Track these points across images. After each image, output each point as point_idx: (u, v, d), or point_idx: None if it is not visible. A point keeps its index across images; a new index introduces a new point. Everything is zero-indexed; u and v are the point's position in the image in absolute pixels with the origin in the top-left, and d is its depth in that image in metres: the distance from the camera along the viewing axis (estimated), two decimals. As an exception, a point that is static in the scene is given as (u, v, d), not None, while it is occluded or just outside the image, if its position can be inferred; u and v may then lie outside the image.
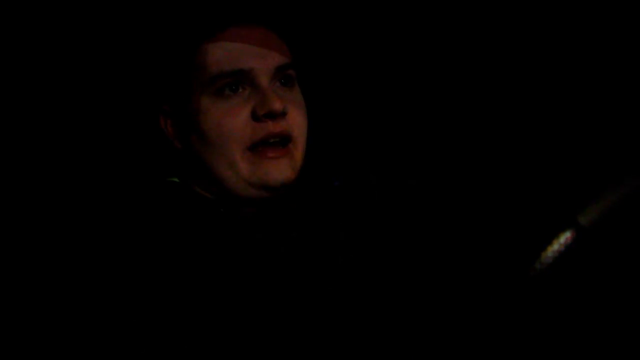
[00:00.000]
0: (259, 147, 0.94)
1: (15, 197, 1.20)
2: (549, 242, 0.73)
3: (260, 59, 0.96)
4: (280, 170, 0.95)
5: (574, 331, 0.87)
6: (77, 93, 1.27)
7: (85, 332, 0.86)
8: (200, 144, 0.96)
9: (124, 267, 0.89)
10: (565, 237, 0.73)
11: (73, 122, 1.27)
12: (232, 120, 0.94)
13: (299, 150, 0.98)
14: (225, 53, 0.95)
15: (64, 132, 1.27)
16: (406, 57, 1.33)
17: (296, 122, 0.98)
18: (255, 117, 0.94)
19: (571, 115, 1.23)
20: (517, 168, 1.23)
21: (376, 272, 0.95)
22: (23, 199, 1.20)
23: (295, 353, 0.86)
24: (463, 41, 1.30)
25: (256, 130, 0.94)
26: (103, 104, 1.28)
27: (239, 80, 0.95)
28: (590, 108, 1.22)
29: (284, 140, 0.96)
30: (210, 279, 0.89)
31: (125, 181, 1.19)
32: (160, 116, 1.01)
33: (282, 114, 0.95)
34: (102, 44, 1.25)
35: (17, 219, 1.17)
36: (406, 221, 1.02)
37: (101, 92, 1.28)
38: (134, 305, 0.86)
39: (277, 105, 0.93)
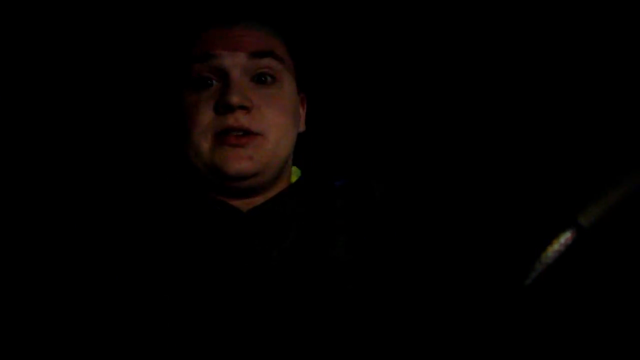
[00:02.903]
0: (222, 136, 0.94)
1: (9, 194, 1.20)
2: (549, 242, 0.74)
3: (232, 48, 0.97)
4: (237, 158, 0.94)
5: (574, 332, 0.87)
6: (77, 93, 1.28)
7: (71, 328, 0.86)
8: (177, 135, 0.99)
9: (116, 264, 0.89)
10: (565, 237, 0.73)
11: (73, 122, 1.28)
12: (197, 112, 0.95)
13: (267, 145, 0.96)
14: (201, 43, 0.98)
15: (62, 132, 1.27)
16: (408, 59, 1.34)
17: (265, 119, 0.96)
18: (217, 109, 0.95)
19: (570, 115, 1.23)
20: (517, 168, 1.23)
21: (376, 276, 0.94)
22: (17, 195, 1.21)
23: (290, 356, 0.86)
24: (462, 43, 1.31)
25: (217, 122, 0.94)
26: (99, 106, 1.29)
27: (211, 71, 0.96)
28: (589, 108, 1.22)
29: (247, 133, 0.95)
30: (199, 279, 0.88)
31: (123, 180, 1.20)
32: (162, 113, 1.05)
33: (242, 108, 0.94)
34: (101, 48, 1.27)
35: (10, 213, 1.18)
36: (407, 223, 1.02)
37: (99, 94, 1.29)
38: (125, 304, 0.86)
39: (233, 99, 0.93)
